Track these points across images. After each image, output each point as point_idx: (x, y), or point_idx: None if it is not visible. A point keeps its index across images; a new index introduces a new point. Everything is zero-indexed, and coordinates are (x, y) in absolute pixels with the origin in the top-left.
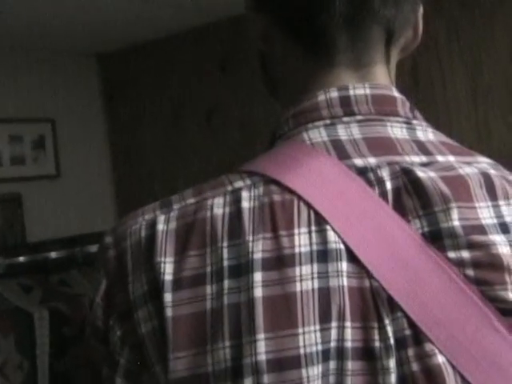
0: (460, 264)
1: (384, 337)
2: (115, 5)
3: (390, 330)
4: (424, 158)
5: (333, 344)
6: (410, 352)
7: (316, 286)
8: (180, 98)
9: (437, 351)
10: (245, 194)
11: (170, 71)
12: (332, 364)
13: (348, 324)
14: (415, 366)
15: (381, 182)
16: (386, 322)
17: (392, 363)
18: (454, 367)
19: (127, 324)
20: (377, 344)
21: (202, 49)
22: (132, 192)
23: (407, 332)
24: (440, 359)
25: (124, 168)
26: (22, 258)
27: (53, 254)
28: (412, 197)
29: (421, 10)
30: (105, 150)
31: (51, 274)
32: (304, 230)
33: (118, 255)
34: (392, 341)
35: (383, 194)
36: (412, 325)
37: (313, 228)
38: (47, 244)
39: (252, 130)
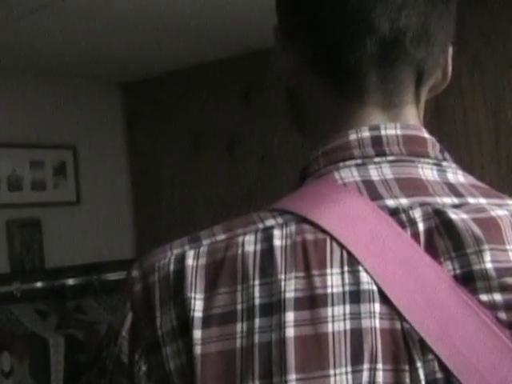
0: (492, 307)
1: (416, 380)
2: (140, 34)
3: (421, 372)
4: (455, 200)
5: None
6: None
7: (348, 327)
8: (201, 127)
9: None
10: (277, 233)
11: (191, 101)
12: None
13: (380, 366)
14: None
15: (413, 224)
16: (418, 364)
17: None
18: None
19: (154, 359)
20: None
21: (225, 81)
22: (151, 221)
23: (439, 375)
24: None
25: (143, 196)
26: (39, 284)
27: (70, 281)
28: (444, 238)
29: (451, 50)
30: (125, 177)
31: (67, 301)
32: (337, 270)
33: (145, 289)
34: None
35: (415, 235)
36: (444, 368)
37: (345, 268)
38: (65, 270)
39: (272, 162)
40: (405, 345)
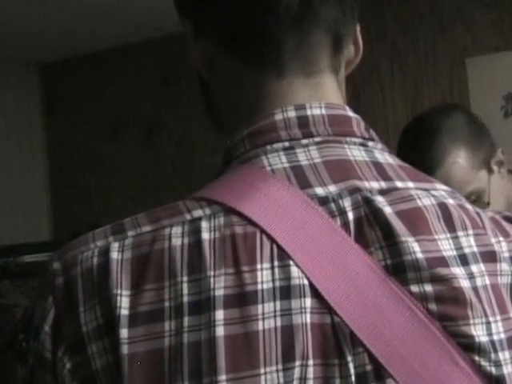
0: (423, 298)
1: (345, 374)
2: (59, 13)
3: (351, 366)
4: (383, 184)
5: (295, 383)
6: None
7: (279, 324)
8: (120, 112)
9: None
10: (205, 225)
11: (111, 84)
12: None
13: (310, 362)
14: None
15: (343, 213)
16: (348, 358)
17: None
18: None
19: (79, 357)
20: (337, 381)
21: (144, 64)
22: (68, 204)
23: (368, 367)
24: None
25: (61, 180)
26: None
27: None
28: (374, 228)
29: (358, 26)
30: (42, 161)
31: None
32: (267, 265)
33: (67, 283)
34: (353, 378)
35: (345, 225)
36: (374, 360)
37: (276, 263)
38: None
39: (191, 146)
40: (335, 339)
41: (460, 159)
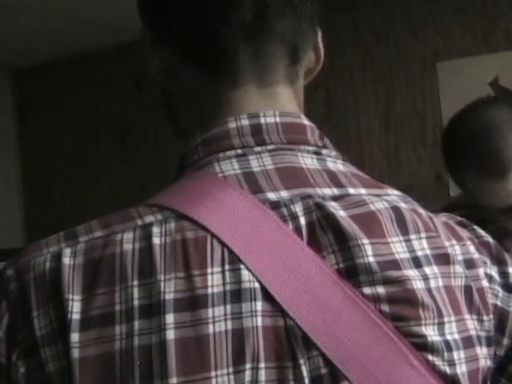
0: (376, 300)
1: (299, 376)
2: (32, 18)
3: (304, 369)
4: (336, 191)
5: None
6: None
7: (229, 327)
8: (94, 115)
9: None
10: (156, 230)
11: (85, 88)
12: None
13: (262, 365)
14: None
15: (294, 218)
16: (301, 361)
17: None
18: None
19: (33, 361)
20: None
21: (117, 67)
22: (42, 209)
23: (323, 371)
24: None
25: (34, 184)
26: None
27: None
28: (326, 232)
29: (319, 33)
30: (15, 165)
31: None
32: (217, 269)
33: (20, 288)
34: (307, 381)
35: (297, 230)
36: (328, 363)
37: (226, 267)
38: None
39: (165, 150)
40: (288, 341)
41: None
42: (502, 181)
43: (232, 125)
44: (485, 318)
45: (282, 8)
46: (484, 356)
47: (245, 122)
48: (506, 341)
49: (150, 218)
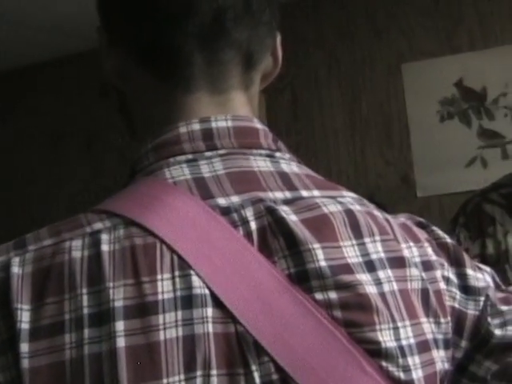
0: (328, 306)
1: (251, 383)
2: None
3: (256, 375)
4: (288, 194)
5: None
6: None
7: (180, 333)
8: (60, 123)
9: None
10: (104, 237)
11: (50, 96)
12: None
13: (214, 372)
14: None
15: (245, 223)
16: (253, 367)
17: None
18: None
19: None
20: None
21: (82, 75)
22: (6, 218)
23: (275, 377)
24: None
25: (1, 192)
26: None
27: None
28: (277, 237)
29: (279, 38)
30: None
31: None
32: (167, 275)
33: None
34: None
35: (248, 235)
36: (280, 369)
37: (176, 273)
38: None
39: (131, 156)
40: (239, 348)
41: None
42: None
43: (183, 130)
44: (442, 320)
45: (240, 15)
46: (441, 359)
47: (196, 127)
48: (464, 343)
49: (98, 225)
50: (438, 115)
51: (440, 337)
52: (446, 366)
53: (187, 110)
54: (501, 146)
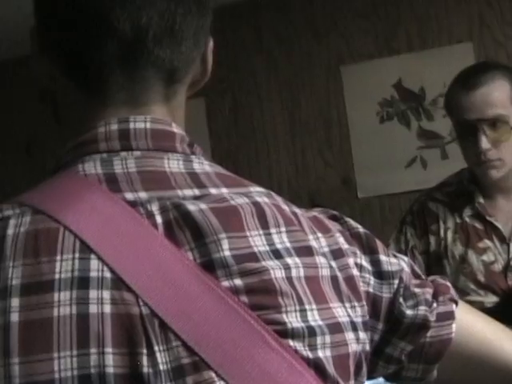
0: (234, 292)
1: (153, 363)
2: None
3: (159, 356)
4: (197, 191)
5: (93, 370)
6: (189, 381)
7: (74, 312)
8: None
9: (216, 378)
10: (12, 222)
11: None
12: None
13: (109, 350)
14: None
15: (151, 216)
16: (156, 348)
17: None
18: None
19: None
20: (145, 370)
21: (20, 80)
22: None
23: (185, 360)
24: None
25: None
26: None
27: None
28: (183, 230)
29: (211, 44)
30: None
31: None
32: (67, 256)
33: None
34: (162, 367)
35: (154, 227)
36: (189, 352)
37: (76, 255)
38: None
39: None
40: (143, 329)
41: (503, 86)
42: None
43: (101, 129)
44: (356, 304)
45: (162, 34)
46: (357, 341)
47: (113, 127)
48: (380, 325)
49: (9, 212)
50: (377, 117)
51: (358, 320)
52: (367, 347)
53: (107, 116)
54: (440, 147)
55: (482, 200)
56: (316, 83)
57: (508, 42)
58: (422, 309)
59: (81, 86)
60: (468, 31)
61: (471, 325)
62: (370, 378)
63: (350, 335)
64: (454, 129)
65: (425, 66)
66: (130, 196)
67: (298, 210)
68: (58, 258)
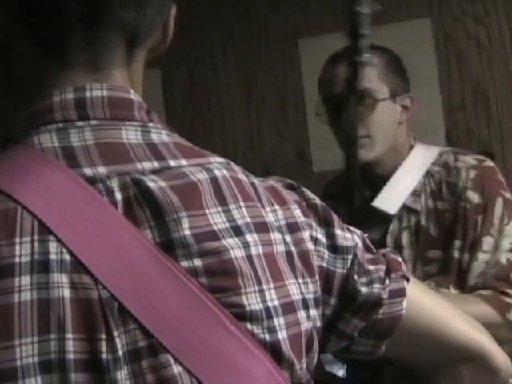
0: (193, 273)
1: (113, 349)
2: None
3: (118, 341)
4: (156, 164)
5: (54, 356)
6: (145, 364)
7: (35, 297)
8: None
9: (172, 361)
10: None
11: None
12: (55, 376)
13: (69, 336)
14: (149, 378)
15: (110, 193)
16: (115, 333)
17: (120, 375)
18: (190, 373)
19: None
20: (104, 356)
21: None
22: None
23: (141, 343)
24: (175, 370)
25: None
26: None
27: None
28: (143, 207)
29: (173, 11)
30: None
31: None
32: (26, 239)
33: None
34: (121, 352)
35: (114, 205)
36: (146, 335)
37: (35, 237)
38: None
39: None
40: (102, 313)
41: (376, 62)
42: None
43: (56, 98)
44: (309, 280)
45: None
46: (308, 319)
47: (69, 96)
48: (333, 300)
49: None
50: None
51: (310, 296)
52: (318, 323)
53: (63, 82)
54: None
55: (368, 193)
56: (273, 56)
57: (466, 19)
58: (376, 287)
59: (39, 44)
60: (427, 7)
61: (421, 301)
62: (322, 352)
63: (302, 314)
64: (326, 113)
65: (383, 41)
66: (88, 171)
67: (256, 181)
68: (17, 240)
